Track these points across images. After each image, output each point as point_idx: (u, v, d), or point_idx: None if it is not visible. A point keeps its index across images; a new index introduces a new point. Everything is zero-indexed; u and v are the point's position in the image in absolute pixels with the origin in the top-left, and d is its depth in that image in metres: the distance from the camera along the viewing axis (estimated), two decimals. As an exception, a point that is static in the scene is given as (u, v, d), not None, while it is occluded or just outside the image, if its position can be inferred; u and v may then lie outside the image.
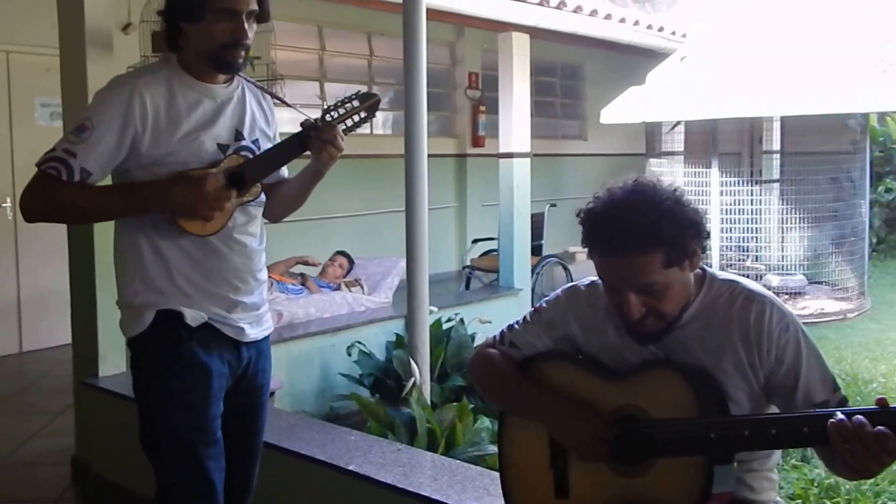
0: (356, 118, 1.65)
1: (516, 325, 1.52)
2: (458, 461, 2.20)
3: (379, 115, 7.75)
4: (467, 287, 5.87)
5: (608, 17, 5.55)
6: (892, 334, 5.03)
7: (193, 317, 1.59)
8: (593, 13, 5.41)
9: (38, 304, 5.05)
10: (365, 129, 7.74)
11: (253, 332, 1.68)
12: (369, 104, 1.67)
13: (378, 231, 6.92)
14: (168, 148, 1.54)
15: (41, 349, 5.04)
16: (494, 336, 1.55)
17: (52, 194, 1.50)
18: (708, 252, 1.39)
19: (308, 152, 1.66)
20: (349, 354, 3.92)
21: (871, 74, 4.04)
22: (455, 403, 3.02)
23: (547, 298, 1.52)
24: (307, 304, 4.25)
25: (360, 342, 3.96)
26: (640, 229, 1.24)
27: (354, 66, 7.15)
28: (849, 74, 3.69)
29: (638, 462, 1.30)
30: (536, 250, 5.68)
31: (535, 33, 5.28)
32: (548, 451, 1.40)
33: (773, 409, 1.34)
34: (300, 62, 6.36)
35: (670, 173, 3.86)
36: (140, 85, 1.54)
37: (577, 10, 5.30)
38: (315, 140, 1.61)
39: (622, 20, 5.68)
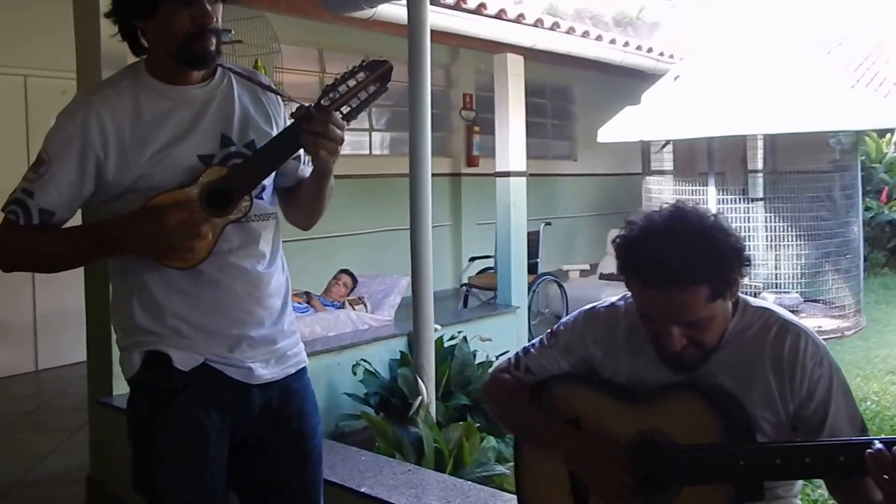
0: (363, 94, 1.32)
1: (532, 349, 1.49)
2: (470, 482, 2.24)
3: (377, 135, 7.83)
4: (465, 305, 5.94)
5: (599, 38, 5.69)
6: (881, 352, 5.05)
7: (184, 360, 1.36)
8: (585, 34, 5.55)
9: (54, 322, 5.06)
10: (364, 149, 7.87)
11: (268, 372, 1.43)
12: (380, 73, 1.33)
13: (378, 249, 7.00)
14: (137, 171, 1.32)
15: (57, 367, 5.06)
16: (509, 360, 1.53)
17: (14, 242, 1.32)
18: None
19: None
20: (354, 373, 3.97)
21: (850, 93, 4.19)
22: (461, 423, 3.08)
23: (563, 321, 1.50)
24: (313, 322, 4.31)
25: (364, 360, 4.02)
26: (684, 263, 1.18)
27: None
28: (831, 93, 3.82)
29: (663, 489, 1.26)
30: (532, 268, 5.76)
31: (530, 54, 5.40)
32: (568, 477, 1.38)
33: None
34: (301, 85, 6.47)
35: (666, 191, 3.96)
36: (96, 103, 1.33)
37: (570, 31, 5.44)
38: (306, 134, 1.30)
39: (612, 41, 5.83)
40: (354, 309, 4.72)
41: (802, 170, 4.73)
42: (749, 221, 4.79)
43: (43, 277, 5.00)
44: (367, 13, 4.03)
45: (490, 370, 1.59)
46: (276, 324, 1.45)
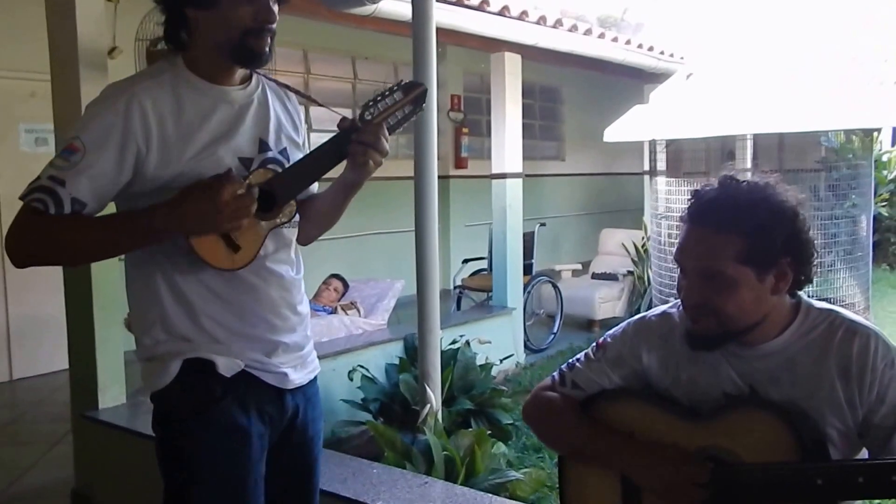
0: (400, 114, 1.35)
1: (577, 364, 1.40)
2: (491, 495, 2.14)
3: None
4: (458, 307, 5.84)
5: (602, 35, 5.63)
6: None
7: (227, 366, 1.32)
8: (588, 32, 5.48)
9: (28, 331, 4.90)
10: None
11: (298, 377, 1.42)
12: (415, 95, 1.37)
13: (365, 253, 6.89)
14: (179, 168, 1.26)
15: (33, 376, 4.89)
16: (552, 377, 1.44)
17: (39, 232, 1.22)
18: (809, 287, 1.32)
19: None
20: (350, 379, 3.85)
21: (850, 91, 4.15)
22: (470, 430, 2.97)
23: (611, 333, 1.42)
24: (306, 328, 4.17)
25: (361, 366, 3.90)
26: (730, 208, 1.18)
27: (339, 89, 7.15)
28: (842, 91, 3.78)
29: None
30: (527, 269, 5.69)
31: (528, 53, 5.32)
32: (619, 495, 1.30)
33: (864, 453, 1.25)
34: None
35: (674, 191, 3.88)
36: (139, 92, 1.26)
37: (573, 28, 5.36)
38: (356, 144, 1.33)
39: (615, 39, 5.77)
40: (347, 314, 4.59)
41: (786, 168, 4.67)
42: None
43: (15, 284, 4.86)
44: (368, 9, 3.90)
45: (533, 389, 1.49)
46: (305, 329, 1.46)
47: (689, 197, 1.27)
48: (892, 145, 8.87)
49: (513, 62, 5.26)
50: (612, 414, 1.34)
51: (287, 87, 1.47)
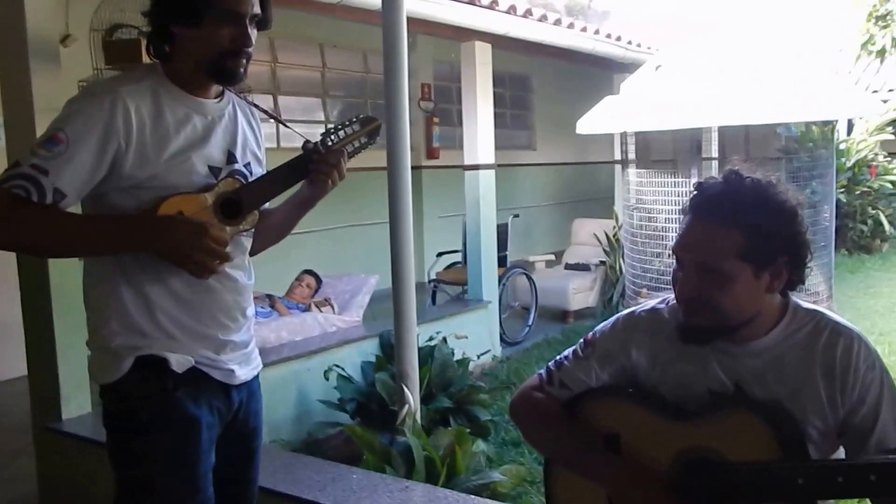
0: (357, 143, 1.53)
1: (565, 362, 1.40)
2: (479, 498, 2.10)
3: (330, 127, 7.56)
4: (433, 301, 5.78)
5: (571, 26, 5.59)
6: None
7: (179, 362, 1.39)
8: (557, 22, 5.43)
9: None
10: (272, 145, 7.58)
11: (242, 373, 1.50)
12: (370, 129, 1.55)
13: (335, 246, 6.78)
14: (154, 169, 1.33)
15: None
16: (539, 375, 1.43)
17: (20, 218, 1.26)
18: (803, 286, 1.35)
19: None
20: (326, 378, 3.77)
21: (829, 82, 4.18)
22: (450, 428, 2.92)
23: (599, 328, 1.41)
24: (278, 327, 4.08)
25: (337, 365, 3.82)
26: (735, 204, 1.19)
27: (307, 78, 7.00)
28: (808, 82, 3.79)
29: None
30: (501, 261, 5.65)
31: (500, 42, 5.25)
32: (605, 498, 1.30)
33: (841, 451, 1.27)
34: (253, 74, 6.17)
35: (646, 183, 3.87)
36: (123, 93, 1.32)
37: (543, 18, 5.31)
38: (319, 164, 1.48)
39: (584, 29, 5.74)
40: (321, 311, 4.50)
41: (766, 156, 4.70)
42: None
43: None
44: (334, -1, 3.80)
45: (519, 387, 1.49)
46: (250, 330, 1.55)
47: (693, 190, 1.27)
48: (848, 134, 9.05)
49: (483, 51, 5.19)
50: (599, 413, 1.35)
51: (254, 105, 1.57)
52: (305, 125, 6.72)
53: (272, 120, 1.82)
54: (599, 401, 1.36)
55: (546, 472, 1.43)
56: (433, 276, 5.92)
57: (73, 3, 3.46)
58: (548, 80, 9.59)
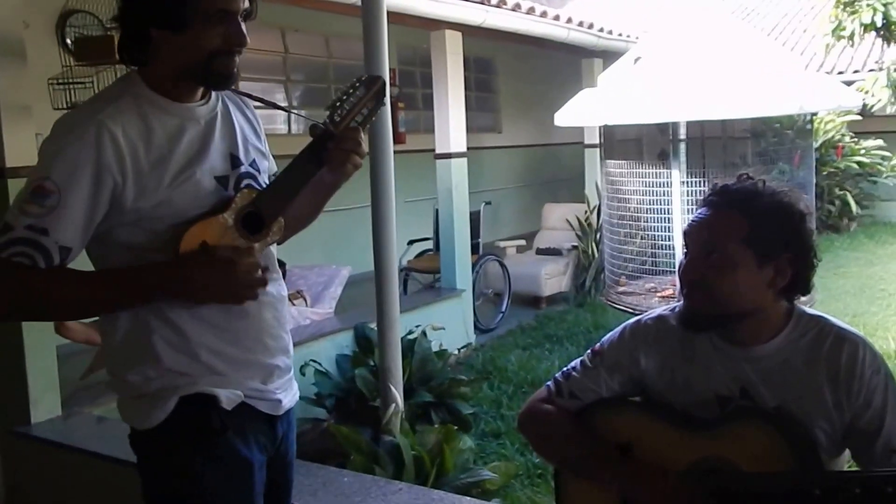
0: (365, 110, 1.32)
1: (573, 372, 1.40)
2: (476, 500, 2.09)
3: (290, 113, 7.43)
4: (405, 290, 5.73)
5: (544, 14, 5.55)
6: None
7: (229, 398, 1.25)
8: (530, 11, 5.39)
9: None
10: (282, 128, 7.44)
11: (287, 401, 1.36)
12: (376, 90, 1.33)
13: (306, 235, 6.63)
14: (158, 197, 1.18)
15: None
16: (548, 386, 1.42)
17: (29, 289, 1.12)
18: (811, 294, 1.40)
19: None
20: (303, 374, 3.70)
21: (801, 76, 4.23)
22: (436, 426, 2.90)
23: (606, 338, 1.41)
24: (252, 323, 3.98)
25: (314, 360, 3.76)
26: (743, 192, 1.24)
27: (268, 62, 6.82)
28: (784, 75, 3.83)
29: None
30: (474, 248, 5.63)
31: (468, 30, 5.18)
32: None
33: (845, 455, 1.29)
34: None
35: (627, 174, 3.87)
36: (105, 120, 1.15)
37: (516, 7, 5.26)
38: (335, 152, 1.28)
39: (556, 17, 5.70)
40: (294, 304, 4.41)
41: (731, 136, 4.69)
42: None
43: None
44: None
45: (527, 400, 1.47)
46: (290, 349, 1.40)
47: (708, 190, 1.32)
48: (814, 115, 9.22)
49: (454, 40, 5.12)
50: (609, 424, 1.34)
51: (244, 94, 1.41)
52: (273, 112, 6.55)
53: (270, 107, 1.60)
54: (609, 411, 1.36)
55: (557, 481, 1.42)
56: (404, 265, 5.86)
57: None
58: (512, 63, 9.54)
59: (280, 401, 1.33)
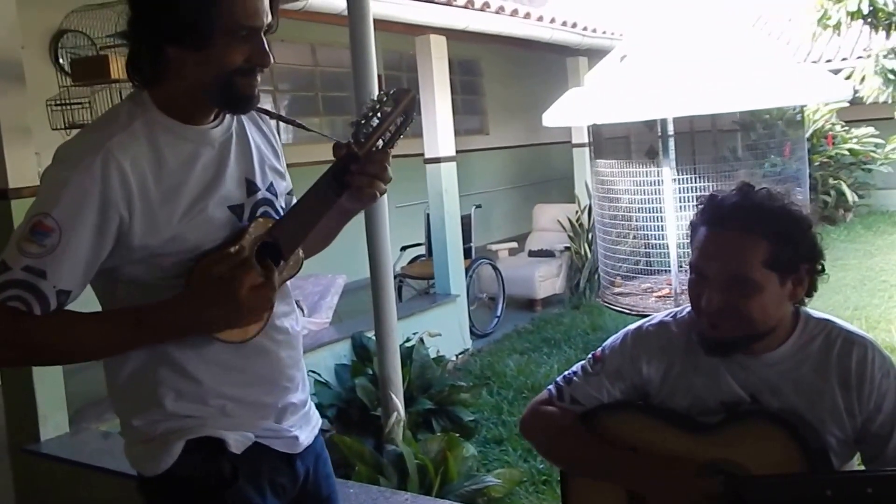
0: (392, 128, 1.19)
1: (575, 378, 1.38)
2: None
3: (274, 122, 7.34)
4: (399, 297, 5.73)
5: (527, 16, 5.57)
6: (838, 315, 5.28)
7: (239, 441, 1.17)
8: (514, 13, 5.41)
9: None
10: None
11: (305, 437, 1.27)
12: (406, 104, 1.20)
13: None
14: (168, 232, 1.09)
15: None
16: (549, 391, 1.41)
17: (23, 336, 1.04)
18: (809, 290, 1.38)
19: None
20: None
21: (793, 69, 4.27)
22: (439, 434, 2.91)
23: (608, 344, 1.40)
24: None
25: (313, 371, 3.76)
26: (758, 212, 1.19)
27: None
28: (774, 69, 3.85)
29: None
30: (466, 253, 5.64)
31: (453, 34, 5.20)
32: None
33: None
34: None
35: (618, 173, 3.89)
36: (114, 149, 1.05)
37: (500, 10, 5.28)
38: (359, 176, 1.16)
39: (540, 18, 5.73)
40: (290, 314, 4.41)
41: (721, 129, 4.71)
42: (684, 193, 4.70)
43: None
44: (298, 4, 3.70)
45: (529, 404, 1.46)
46: (306, 385, 1.32)
47: (703, 203, 1.26)
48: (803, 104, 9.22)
49: (439, 45, 5.14)
50: (613, 428, 1.33)
51: (263, 110, 1.28)
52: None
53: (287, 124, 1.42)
54: (612, 415, 1.35)
55: (563, 487, 1.41)
56: (398, 271, 5.86)
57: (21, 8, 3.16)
58: (497, 64, 9.56)
59: (297, 437, 1.25)
